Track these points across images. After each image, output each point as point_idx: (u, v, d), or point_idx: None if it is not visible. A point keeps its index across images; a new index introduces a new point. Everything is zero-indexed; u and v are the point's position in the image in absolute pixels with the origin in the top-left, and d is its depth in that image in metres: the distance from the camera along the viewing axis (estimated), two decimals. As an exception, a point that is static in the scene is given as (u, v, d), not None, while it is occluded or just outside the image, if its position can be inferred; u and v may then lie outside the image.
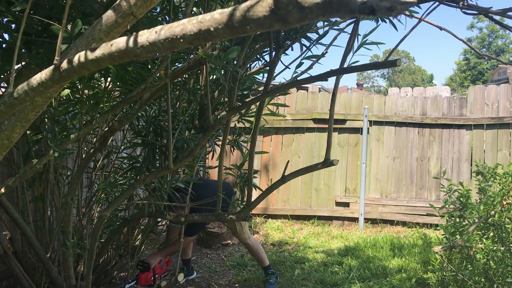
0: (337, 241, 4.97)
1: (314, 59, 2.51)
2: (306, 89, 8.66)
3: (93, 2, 1.59)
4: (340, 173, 5.94)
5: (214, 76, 2.80)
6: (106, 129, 2.48)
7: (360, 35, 2.15)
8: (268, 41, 2.32)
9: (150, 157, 2.70)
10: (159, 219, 3.17)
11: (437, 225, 4.56)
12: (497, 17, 1.84)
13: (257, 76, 2.97)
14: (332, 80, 2.14)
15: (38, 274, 2.54)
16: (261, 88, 2.90)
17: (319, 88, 10.09)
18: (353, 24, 2.19)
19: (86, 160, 2.34)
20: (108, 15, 1.12)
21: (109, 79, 2.21)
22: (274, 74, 2.41)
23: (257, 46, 2.62)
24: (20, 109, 1.19)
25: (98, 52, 0.83)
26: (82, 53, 0.87)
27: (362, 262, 4.04)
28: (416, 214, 5.62)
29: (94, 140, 2.65)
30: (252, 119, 2.78)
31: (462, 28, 61.25)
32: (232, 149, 3.03)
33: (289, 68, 2.65)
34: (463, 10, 1.83)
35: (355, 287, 3.41)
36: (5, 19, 1.63)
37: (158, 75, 1.94)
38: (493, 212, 2.45)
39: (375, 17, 2.26)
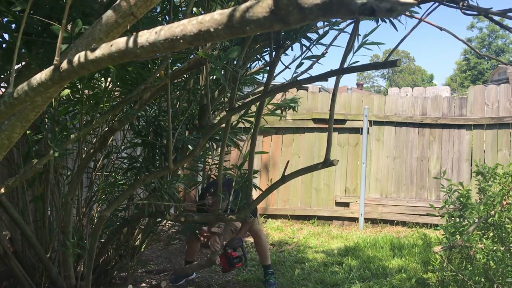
0: (337, 241, 4.97)
1: (314, 59, 2.51)
2: (306, 89, 8.65)
3: (93, 2, 1.59)
4: (340, 173, 5.94)
5: (214, 76, 2.80)
6: (106, 129, 2.48)
7: (360, 35, 2.15)
8: (268, 41, 2.32)
9: (150, 157, 2.69)
10: (159, 219, 3.18)
11: (437, 225, 4.56)
12: (497, 18, 1.84)
13: (257, 76, 2.97)
14: (332, 80, 2.14)
15: (38, 274, 2.54)
16: (261, 88, 2.90)
17: (319, 88, 10.08)
18: (353, 24, 2.19)
19: (86, 160, 2.34)
20: (108, 15, 1.12)
21: (109, 79, 2.20)
22: (274, 74, 2.41)
23: (257, 46, 2.62)
24: (20, 109, 1.19)
25: (98, 53, 0.83)
26: (82, 54, 0.87)
27: (362, 262, 4.04)
28: (416, 214, 5.62)
29: (94, 140, 2.65)
30: (252, 119, 2.78)
31: (462, 28, 61.22)
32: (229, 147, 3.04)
33: (289, 68, 2.66)
34: (463, 10, 1.83)
35: (355, 287, 3.41)
36: (5, 19, 1.63)
37: (158, 75, 1.94)
38: (493, 212, 2.45)
39: (375, 17, 2.26)
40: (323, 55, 2.48)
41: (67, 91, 2.25)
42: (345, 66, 2.01)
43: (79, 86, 2.21)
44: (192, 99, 2.78)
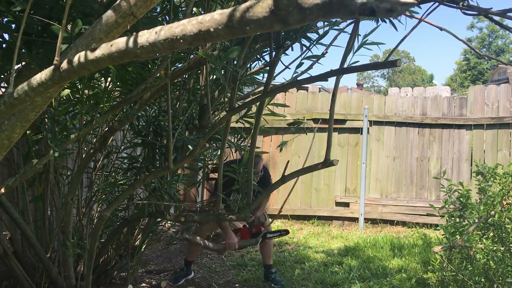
0: (337, 241, 4.97)
1: (314, 59, 2.51)
2: (306, 89, 8.65)
3: (93, 2, 1.59)
4: (340, 173, 5.94)
5: (214, 76, 2.80)
6: (106, 129, 2.48)
7: (360, 35, 2.15)
8: (268, 41, 2.32)
9: (150, 157, 2.69)
10: (159, 219, 3.18)
11: (437, 225, 4.56)
12: (497, 18, 1.84)
13: (257, 76, 2.97)
14: (332, 80, 2.14)
15: (38, 274, 2.54)
16: (261, 88, 2.90)
17: (319, 88, 10.08)
18: (353, 24, 2.19)
19: (86, 160, 2.34)
20: (108, 15, 1.12)
21: (109, 79, 2.20)
22: (274, 74, 2.41)
23: (257, 46, 2.62)
24: (20, 109, 1.19)
25: (98, 53, 0.83)
26: (82, 54, 0.87)
27: (362, 262, 4.04)
28: (416, 214, 5.62)
29: (94, 140, 2.65)
30: (252, 119, 2.78)
31: (462, 28, 61.13)
32: (234, 150, 3.04)
33: (289, 68, 2.66)
34: (463, 10, 1.83)
35: (355, 287, 3.41)
36: (5, 19, 1.63)
37: (158, 75, 1.94)
38: (493, 212, 2.45)
39: (375, 17, 2.25)
40: (323, 55, 2.48)
41: (67, 91, 2.25)
42: (345, 66, 2.01)
43: (79, 86, 2.21)
44: (192, 99, 2.78)
